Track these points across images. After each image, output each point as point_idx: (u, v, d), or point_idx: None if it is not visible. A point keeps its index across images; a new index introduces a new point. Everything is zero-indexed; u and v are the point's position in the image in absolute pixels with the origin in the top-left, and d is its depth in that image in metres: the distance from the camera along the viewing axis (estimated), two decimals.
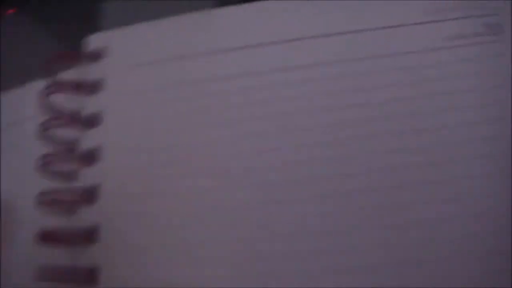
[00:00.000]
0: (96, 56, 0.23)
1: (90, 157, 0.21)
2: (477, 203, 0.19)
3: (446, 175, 0.19)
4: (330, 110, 0.20)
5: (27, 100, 0.23)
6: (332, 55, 0.21)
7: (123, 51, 0.23)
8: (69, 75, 0.23)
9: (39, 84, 0.22)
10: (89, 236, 0.20)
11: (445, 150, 0.19)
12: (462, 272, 0.18)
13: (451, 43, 0.21)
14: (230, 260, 0.19)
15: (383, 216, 0.19)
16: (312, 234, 0.19)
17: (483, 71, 0.20)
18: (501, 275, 0.18)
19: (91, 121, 0.22)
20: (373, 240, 0.19)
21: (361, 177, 0.19)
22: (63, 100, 0.22)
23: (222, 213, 0.20)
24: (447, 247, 0.18)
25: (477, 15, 0.21)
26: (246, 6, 0.23)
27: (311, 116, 0.20)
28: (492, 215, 0.19)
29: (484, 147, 0.19)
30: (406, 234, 0.18)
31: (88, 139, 0.22)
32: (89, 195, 0.21)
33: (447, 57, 0.21)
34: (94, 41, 0.23)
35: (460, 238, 0.18)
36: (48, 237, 0.21)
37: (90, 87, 0.22)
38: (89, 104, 0.22)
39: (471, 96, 0.20)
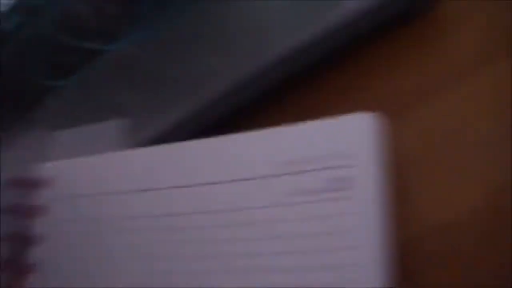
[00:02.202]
0: (42, 183, 0.25)
1: None
2: None
3: None
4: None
5: None
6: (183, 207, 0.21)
7: (67, 181, 0.25)
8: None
9: None
10: None
11: None
12: None
13: (293, 199, 0.19)
14: None
15: None
16: None
17: (330, 231, 0.18)
18: None
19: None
20: None
21: None
22: None
23: None
24: None
25: (326, 168, 0.19)
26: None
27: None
28: None
29: None
30: None
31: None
32: None
33: (289, 214, 0.19)
34: (42, 169, 0.25)
35: None
36: None
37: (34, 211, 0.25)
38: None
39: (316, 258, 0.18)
